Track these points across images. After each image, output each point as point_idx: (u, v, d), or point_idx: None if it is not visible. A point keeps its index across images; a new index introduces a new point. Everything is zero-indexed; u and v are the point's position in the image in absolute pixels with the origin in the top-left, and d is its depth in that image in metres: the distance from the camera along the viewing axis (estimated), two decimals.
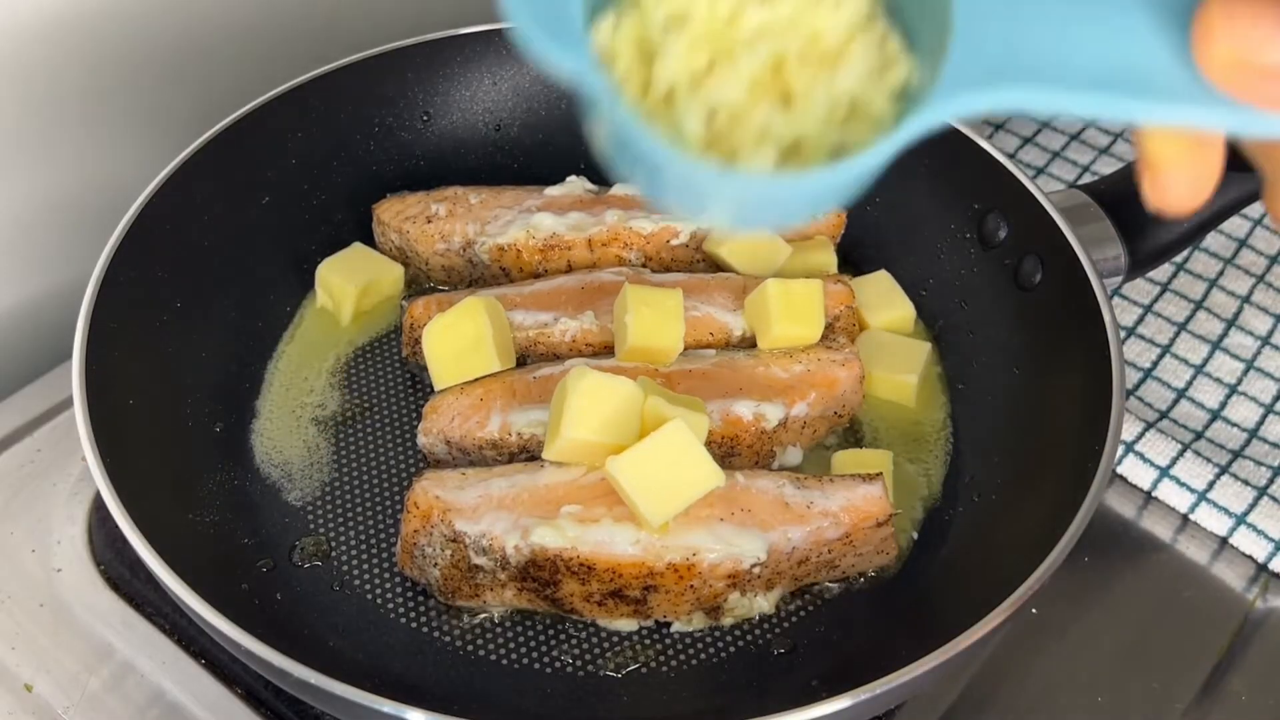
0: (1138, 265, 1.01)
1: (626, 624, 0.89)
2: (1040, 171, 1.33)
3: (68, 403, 1.08)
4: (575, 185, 1.12)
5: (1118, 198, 1.02)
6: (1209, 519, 1.02)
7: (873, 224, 1.13)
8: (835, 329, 1.03)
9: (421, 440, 0.97)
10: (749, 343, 1.01)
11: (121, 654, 0.92)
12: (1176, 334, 1.17)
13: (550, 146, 1.20)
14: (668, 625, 0.89)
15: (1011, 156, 1.21)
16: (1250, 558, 1.01)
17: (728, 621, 0.89)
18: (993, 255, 1.05)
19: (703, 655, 0.88)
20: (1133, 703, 0.92)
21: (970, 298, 1.06)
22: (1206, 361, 1.14)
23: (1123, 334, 1.16)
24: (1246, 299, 1.19)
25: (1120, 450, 1.04)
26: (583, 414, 0.86)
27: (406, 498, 0.89)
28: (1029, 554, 0.79)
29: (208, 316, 1.02)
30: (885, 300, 1.08)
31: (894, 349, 1.04)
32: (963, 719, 0.90)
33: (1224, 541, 1.02)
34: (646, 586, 0.86)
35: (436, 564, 0.87)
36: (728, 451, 0.94)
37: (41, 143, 1.13)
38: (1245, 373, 1.13)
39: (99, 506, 1.00)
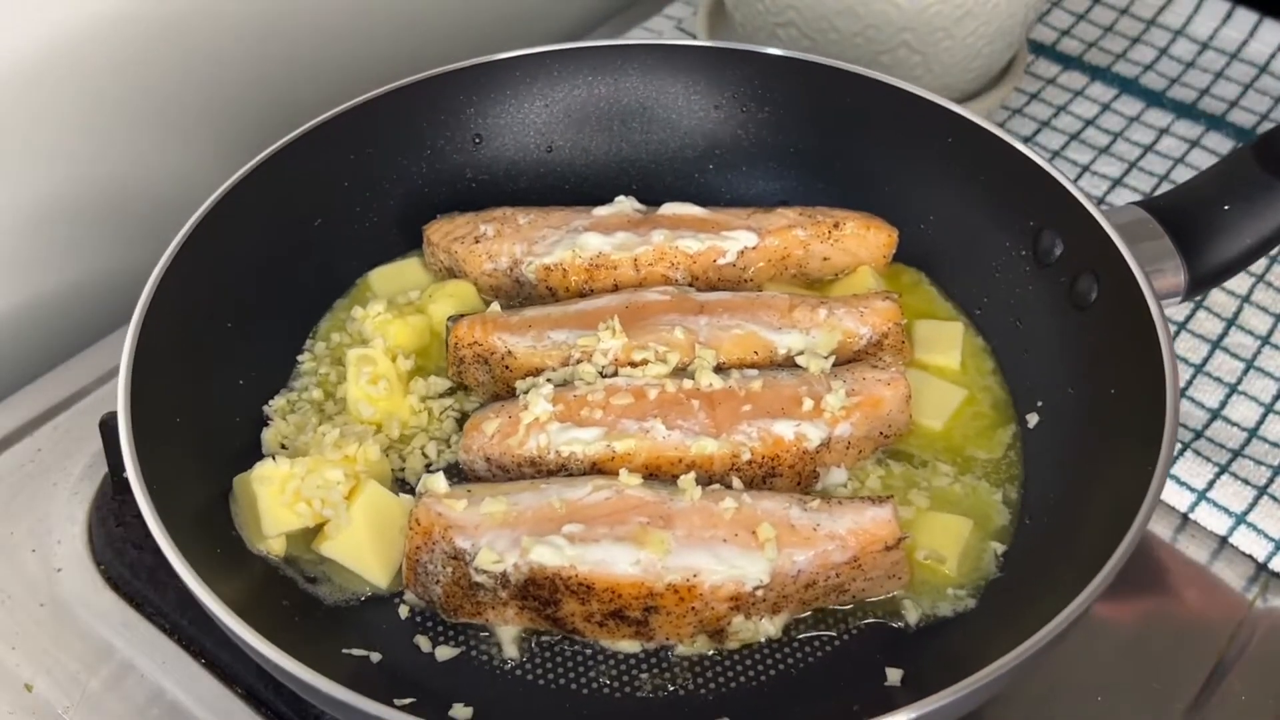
0: (1198, 284, 0.97)
1: (629, 645, 0.88)
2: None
3: (67, 403, 1.09)
4: (624, 205, 1.11)
5: (1178, 214, 0.98)
6: (1209, 518, 1.02)
7: (929, 241, 1.11)
8: (883, 346, 1.02)
9: (461, 457, 0.96)
10: (793, 361, 1.01)
11: (121, 654, 0.92)
12: (1176, 334, 1.16)
13: (601, 168, 1.20)
14: (723, 647, 0.88)
15: (1077, 179, 1.19)
16: (1250, 557, 1.01)
17: (732, 645, 0.88)
18: (1047, 273, 1.02)
19: (742, 678, 0.86)
20: (1133, 703, 0.92)
21: (1025, 316, 1.04)
22: (1206, 361, 1.14)
23: None
24: (1246, 299, 1.19)
25: None
26: (277, 511, 0.89)
27: (410, 514, 0.89)
28: (1072, 582, 0.77)
29: (257, 335, 1.02)
30: (939, 345, 1.06)
31: (928, 390, 1.02)
32: (962, 719, 0.90)
33: (1224, 541, 1.02)
34: (647, 608, 0.85)
35: (439, 581, 0.87)
36: (769, 472, 0.93)
37: (45, 143, 1.13)
38: (1245, 372, 1.13)
39: (99, 506, 1.00)
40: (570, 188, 1.19)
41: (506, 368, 1.00)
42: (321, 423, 0.99)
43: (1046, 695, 0.92)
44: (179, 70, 1.19)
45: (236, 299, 1.01)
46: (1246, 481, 1.03)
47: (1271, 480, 1.04)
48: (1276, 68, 1.43)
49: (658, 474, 0.92)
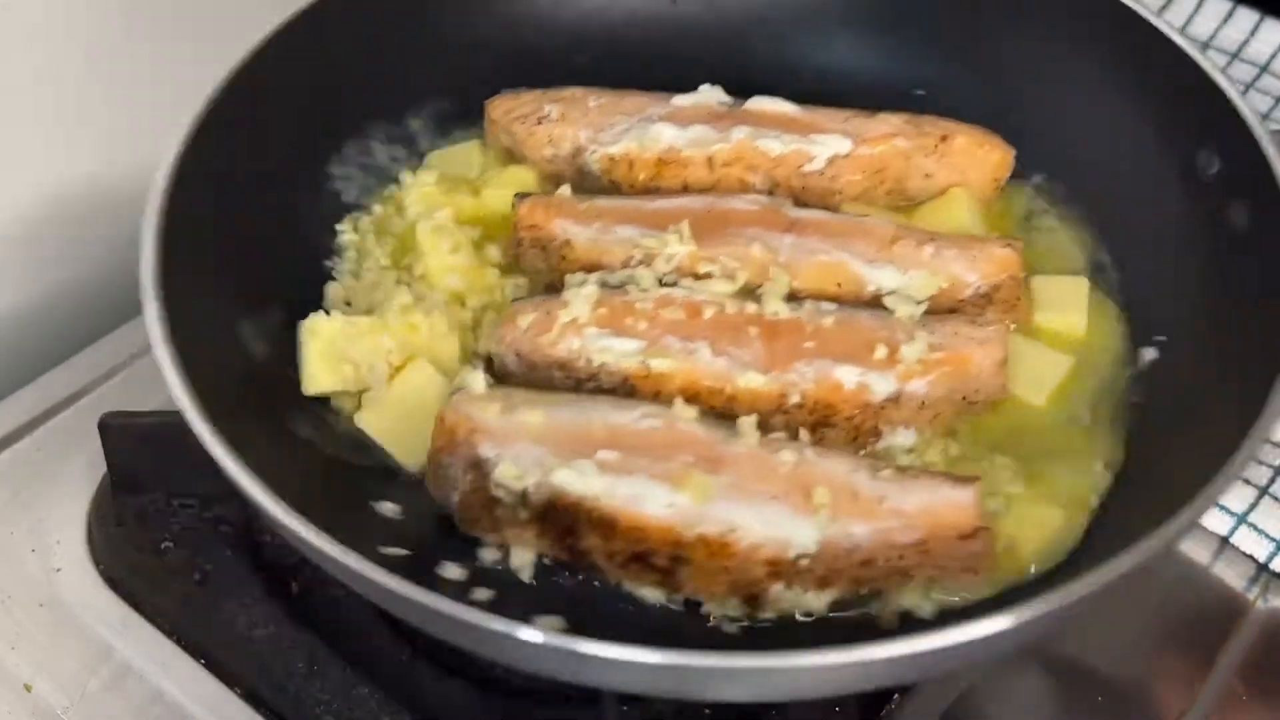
0: None
1: (653, 594, 0.79)
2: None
3: (67, 403, 1.09)
4: (708, 95, 1.00)
5: None
6: (1210, 518, 1.02)
7: (1073, 145, 1.00)
8: (993, 300, 0.90)
9: (493, 349, 0.89)
10: (881, 302, 0.90)
11: (121, 654, 0.92)
12: None
13: (695, 38, 1.08)
14: (756, 615, 0.79)
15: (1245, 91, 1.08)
16: (1251, 557, 1.01)
17: (769, 614, 0.78)
18: (1198, 195, 0.90)
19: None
20: (1133, 703, 0.92)
21: (1164, 242, 0.93)
22: None
23: None
24: None
25: None
26: (318, 369, 0.85)
27: (438, 412, 0.82)
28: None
29: (309, 180, 0.99)
30: (1061, 303, 0.94)
31: (1030, 359, 0.90)
32: (963, 718, 0.90)
33: (1225, 541, 1.02)
34: (675, 557, 0.76)
35: (458, 488, 0.80)
36: (820, 420, 0.83)
37: (42, 140, 1.13)
38: None
39: (99, 506, 1.00)
40: (656, 68, 1.06)
41: (563, 258, 0.93)
42: (398, 282, 0.93)
43: (1046, 695, 0.92)
44: (178, 44, 1.16)
45: (292, 139, 0.97)
46: (1248, 481, 1.03)
47: (1273, 480, 1.04)
48: (1277, 67, 1.43)
49: (695, 404, 0.83)
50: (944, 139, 0.98)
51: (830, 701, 0.86)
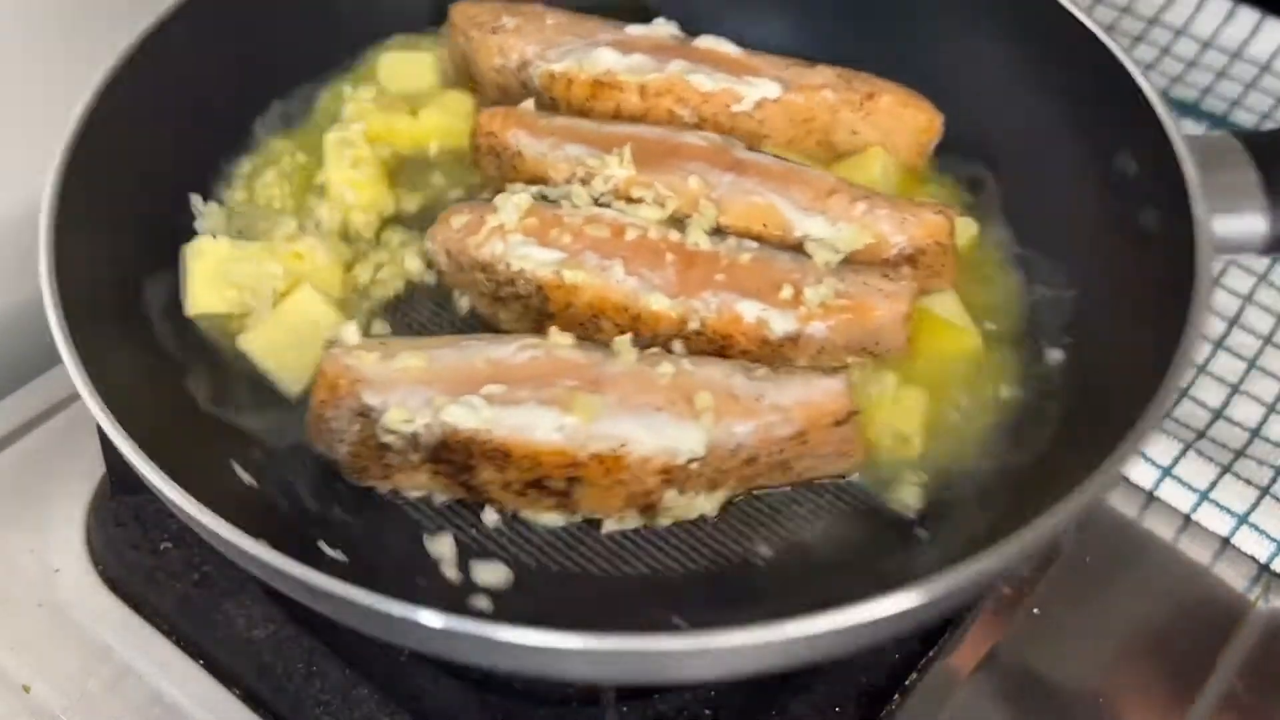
0: None
1: (553, 518, 0.82)
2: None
3: (67, 403, 1.09)
4: (661, 29, 1.04)
5: (1275, 152, 0.87)
6: (1211, 519, 1.02)
7: (995, 136, 1.01)
8: (917, 264, 0.91)
9: (428, 245, 0.93)
10: (804, 249, 0.92)
11: (120, 655, 0.92)
12: None
13: None
14: (654, 524, 0.83)
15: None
16: (1252, 558, 1.00)
17: (664, 522, 0.82)
18: (1115, 197, 0.91)
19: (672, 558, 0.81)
20: (1133, 703, 0.91)
21: (1078, 240, 0.95)
22: (1209, 361, 1.14)
23: None
24: (1248, 298, 1.19)
25: None
26: (203, 290, 0.87)
27: (317, 366, 0.84)
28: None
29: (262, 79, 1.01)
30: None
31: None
32: (963, 718, 0.90)
33: (1226, 541, 1.02)
34: (570, 478, 0.79)
35: (344, 440, 0.81)
36: (717, 350, 0.86)
37: (43, 138, 1.13)
38: (1247, 372, 1.13)
39: (97, 507, 1.00)
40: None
41: (514, 167, 0.97)
42: (282, 210, 0.95)
43: (1047, 695, 0.92)
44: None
45: (252, 42, 0.98)
46: (1249, 482, 1.03)
47: (1274, 480, 1.03)
48: (1278, 67, 1.43)
49: (600, 317, 0.87)
50: (870, 96, 0.99)
51: (830, 702, 0.88)
